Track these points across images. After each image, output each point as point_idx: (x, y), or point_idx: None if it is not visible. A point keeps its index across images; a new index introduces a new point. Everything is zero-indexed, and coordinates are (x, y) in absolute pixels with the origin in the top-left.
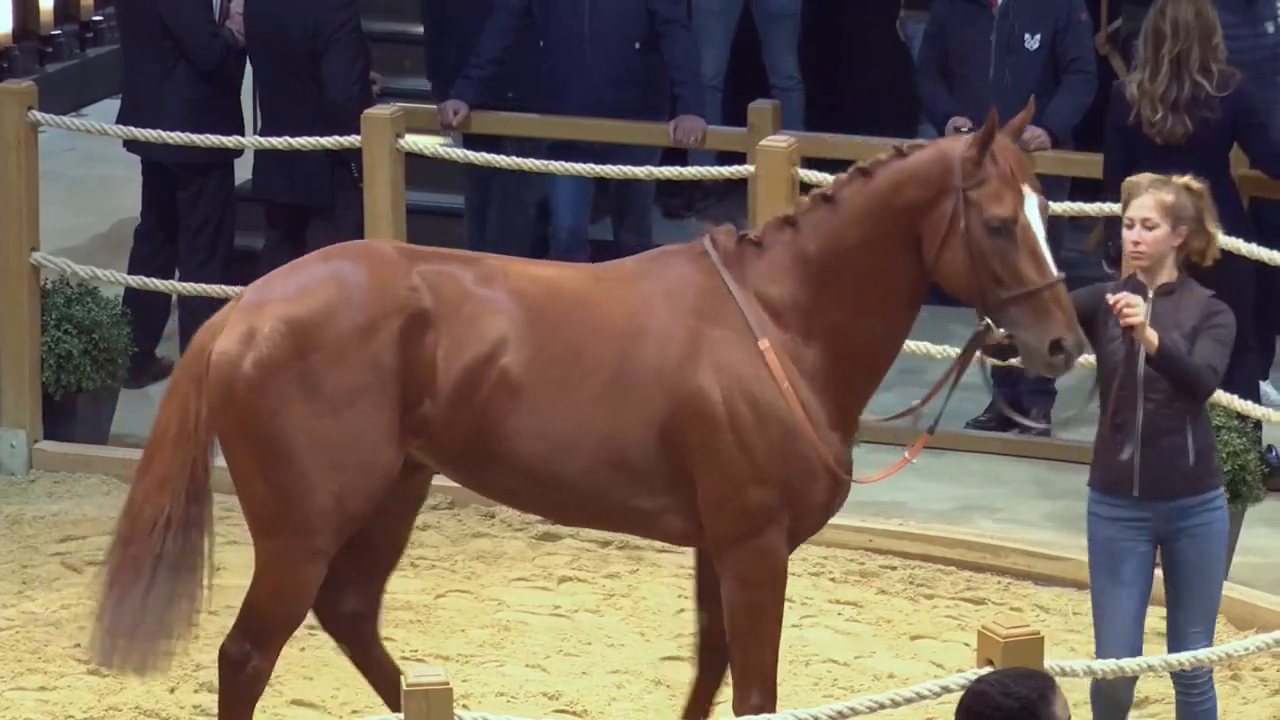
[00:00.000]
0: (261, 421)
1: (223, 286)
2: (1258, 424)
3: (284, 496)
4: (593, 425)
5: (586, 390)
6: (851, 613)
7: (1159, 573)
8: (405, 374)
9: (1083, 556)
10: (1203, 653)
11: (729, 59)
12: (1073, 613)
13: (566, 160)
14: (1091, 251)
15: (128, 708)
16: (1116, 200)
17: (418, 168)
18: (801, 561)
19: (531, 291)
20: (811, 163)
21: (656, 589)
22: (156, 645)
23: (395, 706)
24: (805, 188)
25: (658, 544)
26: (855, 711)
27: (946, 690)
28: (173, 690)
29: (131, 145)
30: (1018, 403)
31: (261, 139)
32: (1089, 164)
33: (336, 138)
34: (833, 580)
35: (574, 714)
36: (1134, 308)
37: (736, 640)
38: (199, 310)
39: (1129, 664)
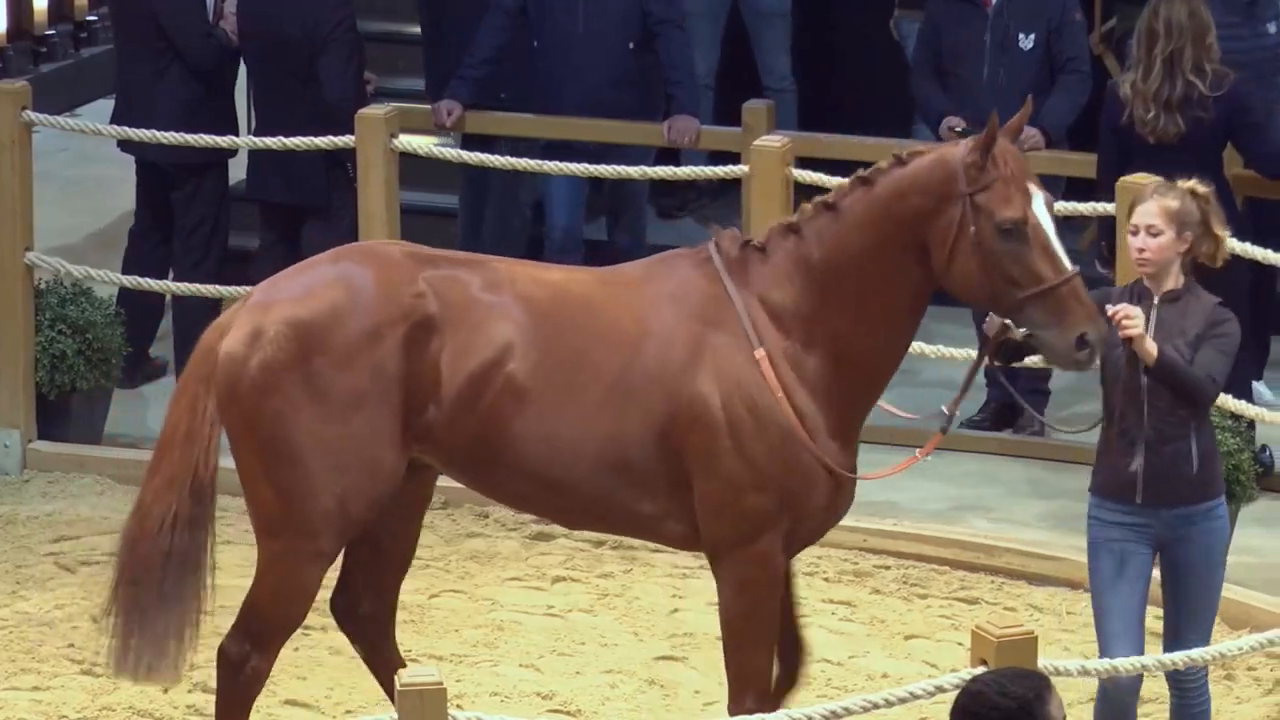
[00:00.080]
0: (266, 422)
1: (217, 287)
2: (1251, 424)
3: (287, 498)
4: (597, 429)
5: (591, 395)
6: (845, 612)
7: (1155, 574)
8: (410, 379)
9: (1077, 556)
10: (1196, 652)
11: (721, 59)
12: (1066, 613)
13: (561, 160)
14: (1085, 251)
15: (121, 707)
16: (1110, 200)
17: (412, 167)
18: (795, 561)
19: (538, 296)
20: (806, 162)
21: (650, 589)
22: (167, 647)
23: None
24: (799, 188)
25: (652, 544)
26: (849, 711)
27: (940, 690)
28: (166, 690)
29: (125, 145)
30: (1012, 404)
31: (256, 139)
32: (1083, 164)
33: (331, 138)
34: (826, 580)
35: (568, 714)
36: (1133, 319)
37: (731, 644)
38: (193, 311)
39: (1123, 663)
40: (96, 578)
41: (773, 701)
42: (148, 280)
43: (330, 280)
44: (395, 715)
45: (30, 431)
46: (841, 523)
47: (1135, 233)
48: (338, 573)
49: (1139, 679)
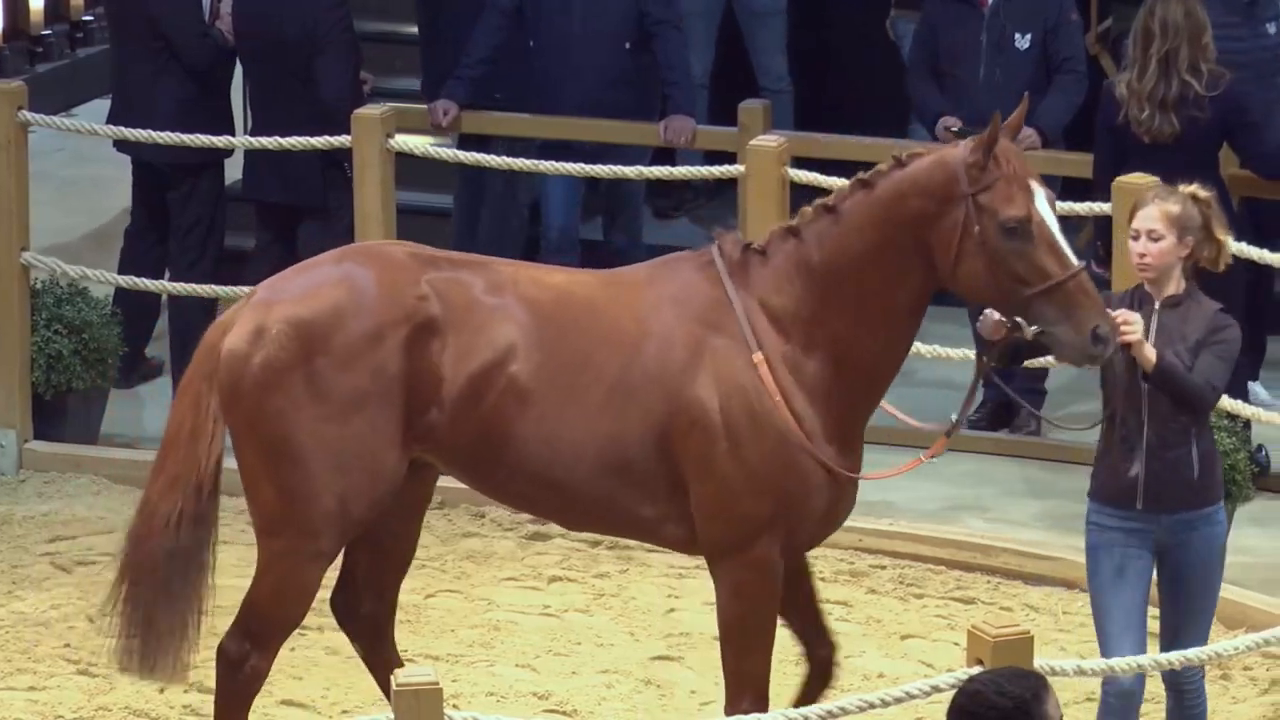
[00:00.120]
0: (267, 421)
1: (213, 287)
2: (1247, 423)
3: (288, 497)
4: (597, 431)
5: (592, 397)
6: (841, 612)
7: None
8: (412, 380)
9: (1073, 556)
10: (1192, 652)
11: (717, 59)
12: (1063, 612)
13: (557, 160)
14: (1082, 251)
15: (117, 707)
16: (1106, 200)
17: (408, 167)
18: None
19: (541, 298)
20: (803, 162)
21: (646, 589)
22: (171, 645)
23: None
24: (796, 188)
25: (648, 544)
26: (845, 711)
27: (936, 690)
28: (162, 690)
29: (122, 145)
30: (1007, 403)
31: (252, 139)
32: (1079, 164)
33: (327, 138)
34: (822, 579)
35: (564, 714)
36: (1131, 325)
37: (729, 648)
38: (189, 311)
39: (1118, 663)
40: (93, 578)
41: (806, 698)
42: (144, 280)
43: (333, 280)
44: (392, 715)
45: (26, 431)
46: None
47: (1136, 238)
48: (337, 572)
49: (1141, 691)
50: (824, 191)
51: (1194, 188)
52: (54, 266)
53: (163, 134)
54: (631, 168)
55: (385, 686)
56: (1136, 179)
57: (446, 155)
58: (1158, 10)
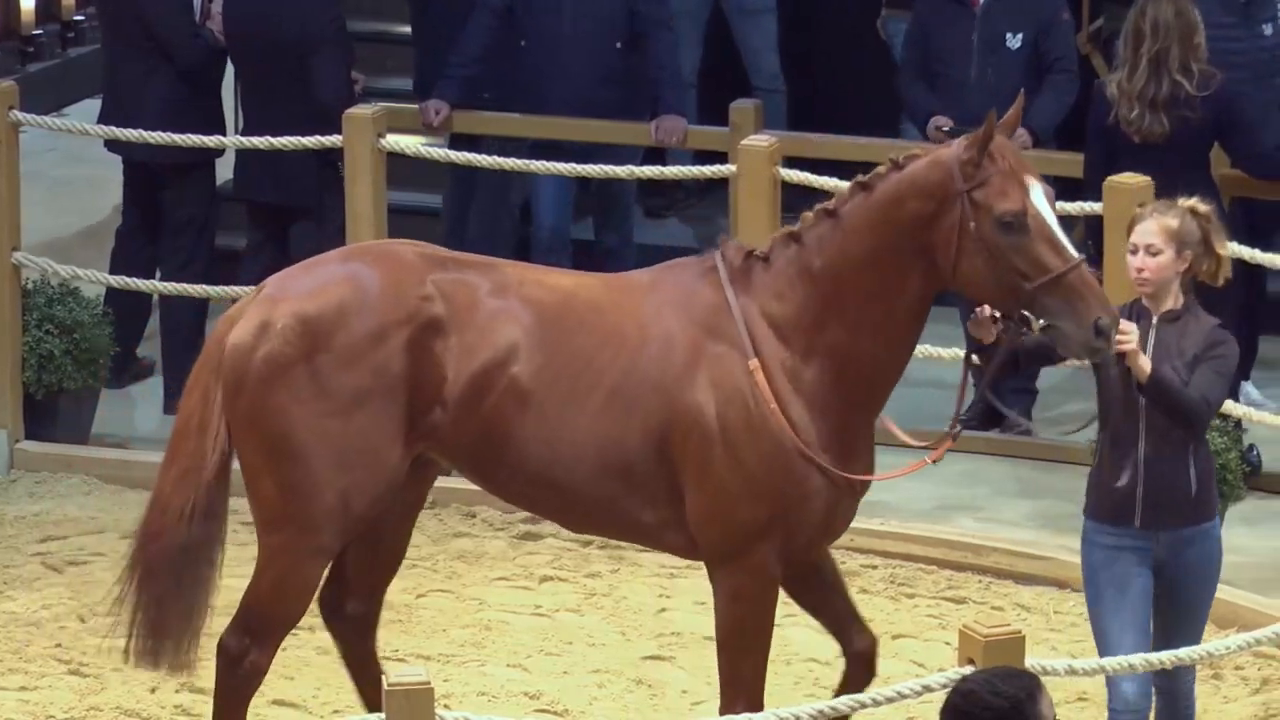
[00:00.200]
0: (269, 416)
1: (204, 287)
2: (1239, 423)
3: (289, 492)
4: (597, 434)
5: (592, 400)
6: None
7: None
8: (415, 379)
9: (1064, 556)
10: (1184, 651)
11: (709, 58)
12: (1054, 612)
13: (548, 160)
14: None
15: (109, 708)
16: (1098, 199)
17: (400, 167)
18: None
19: (545, 300)
20: (794, 162)
21: (637, 588)
22: (179, 639)
23: (373, 709)
24: (787, 187)
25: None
26: (836, 711)
27: (928, 689)
28: (154, 690)
29: (113, 145)
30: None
31: (244, 139)
32: (1071, 163)
33: (318, 137)
34: None
35: (555, 713)
36: (1127, 334)
37: (724, 651)
38: (180, 311)
39: (1109, 662)
40: (84, 578)
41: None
42: (135, 280)
43: (339, 279)
44: (376, 715)
45: (17, 431)
46: None
47: (1134, 252)
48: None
49: (1148, 708)
50: (815, 191)
51: (1193, 202)
52: (45, 266)
53: (154, 134)
54: (623, 167)
55: (360, 686)
56: (1128, 179)
57: (438, 155)
58: (1149, 10)
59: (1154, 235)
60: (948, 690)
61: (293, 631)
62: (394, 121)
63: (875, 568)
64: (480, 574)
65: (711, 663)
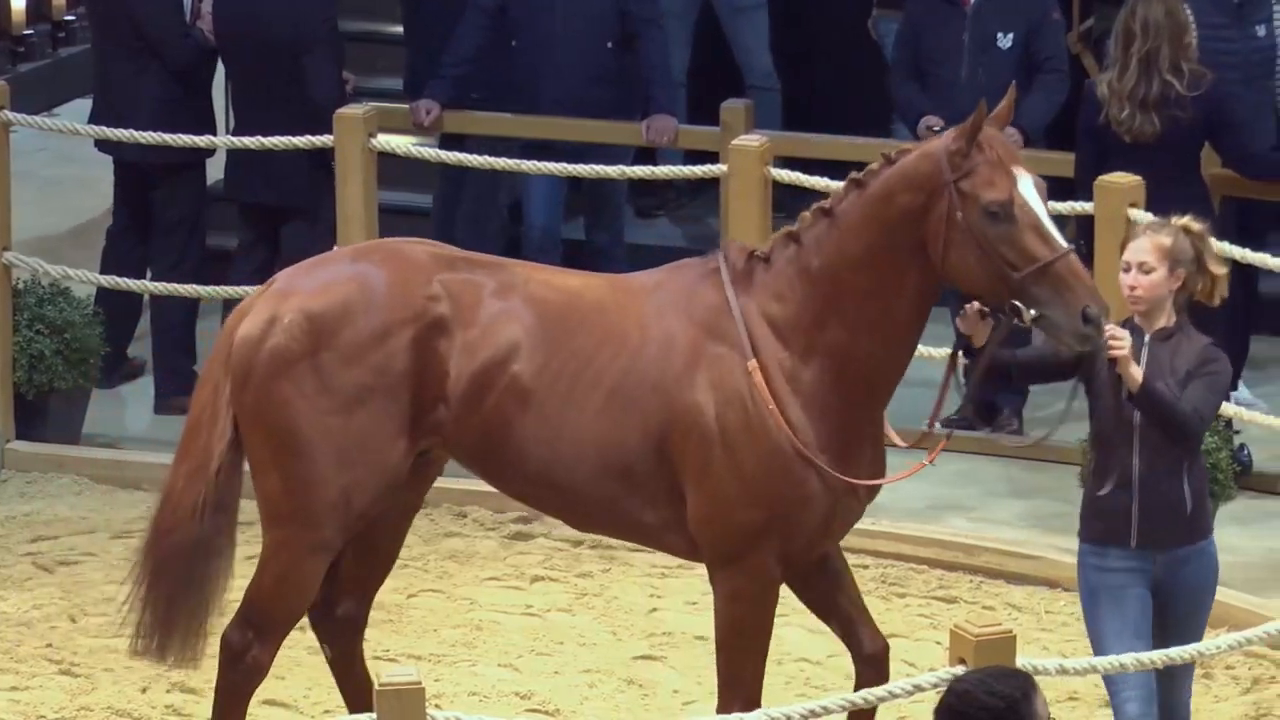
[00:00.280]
0: (274, 410)
1: (195, 286)
2: (1229, 422)
3: (292, 487)
4: (598, 434)
5: (593, 400)
6: None
7: None
8: (418, 378)
9: (1055, 555)
10: (1174, 651)
11: (697, 57)
12: (1045, 611)
13: (540, 159)
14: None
15: (100, 707)
16: (1089, 199)
17: (391, 167)
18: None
19: (549, 300)
20: (787, 162)
21: (629, 588)
22: (188, 632)
23: (357, 710)
24: (779, 187)
25: (630, 544)
26: (828, 710)
27: (919, 689)
28: (145, 690)
29: (103, 145)
30: (990, 403)
31: (235, 139)
32: (1061, 163)
33: (309, 137)
34: None
35: (546, 713)
36: (1120, 340)
37: (723, 652)
38: (171, 311)
39: (1101, 662)
40: (75, 578)
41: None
42: (126, 280)
43: (346, 277)
44: (367, 715)
45: (8, 431)
46: None
47: (1127, 269)
48: None
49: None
50: (807, 191)
51: (1186, 220)
52: (36, 266)
53: (145, 134)
54: (614, 167)
55: (346, 689)
56: (1118, 178)
57: (429, 155)
58: (1139, 10)
59: (1147, 253)
60: (939, 690)
61: None
62: (385, 121)
63: (867, 567)
64: (471, 574)
65: (703, 662)
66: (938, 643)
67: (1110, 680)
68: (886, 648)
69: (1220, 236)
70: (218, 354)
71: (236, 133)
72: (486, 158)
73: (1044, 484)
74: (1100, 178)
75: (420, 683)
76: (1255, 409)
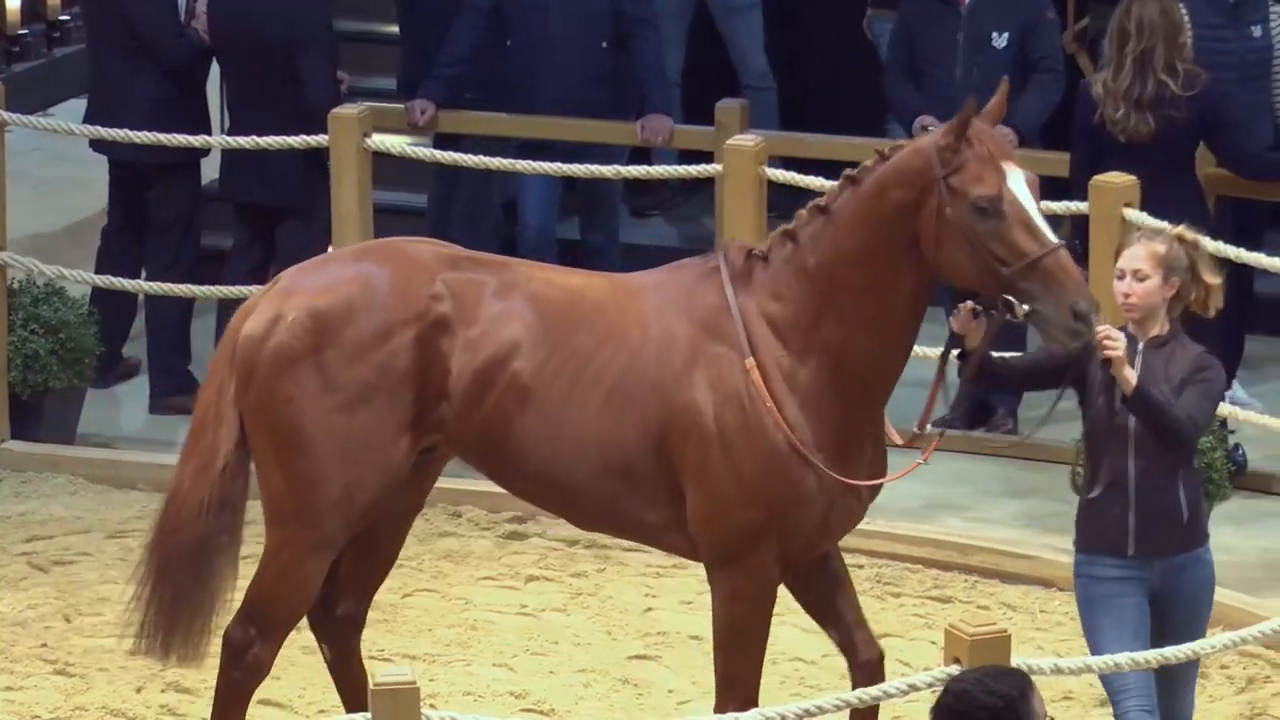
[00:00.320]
0: (277, 408)
1: (190, 286)
2: (1224, 422)
3: (295, 485)
4: (598, 433)
5: (593, 399)
6: None
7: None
8: (420, 376)
9: (1050, 555)
10: (1169, 650)
11: (695, 57)
12: (1039, 611)
13: (535, 159)
14: None
15: (94, 707)
16: (1084, 199)
17: (386, 167)
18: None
19: (551, 298)
20: (782, 162)
21: (623, 588)
22: (193, 630)
23: (353, 710)
24: (774, 187)
25: (625, 543)
26: (822, 710)
27: (914, 688)
28: (140, 690)
29: (98, 145)
30: (984, 403)
31: (230, 138)
32: (1057, 163)
33: (304, 137)
34: None
35: (541, 713)
36: (1114, 341)
37: (721, 652)
38: (166, 310)
39: (1096, 661)
40: (70, 578)
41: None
42: (121, 280)
43: (349, 276)
44: (361, 715)
45: (3, 431)
46: None
47: (1121, 277)
48: None
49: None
50: (802, 191)
51: (1180, 229)
52: (31, 266)
53: (139, 133)
54: (609, 167)
55: (343, 689)
56: (1113, 178)
57: (424, 155)
58: (1134, 9)
59: (1141, 260)
60: (934, 690)
61: None
62: (380, 121)
63: (861, 567)
64: (466, 573)
65: (697, 662)
66: (932, 642)
67: (1112, 690)
68: (881, 656)
69: (1215, 236)
70: (223, 353)
71: (231, 132)
72: (481, 157)
73: (1039, 484)
74: (1095, 177)
75: (415, 682)
76: (1250, 409)
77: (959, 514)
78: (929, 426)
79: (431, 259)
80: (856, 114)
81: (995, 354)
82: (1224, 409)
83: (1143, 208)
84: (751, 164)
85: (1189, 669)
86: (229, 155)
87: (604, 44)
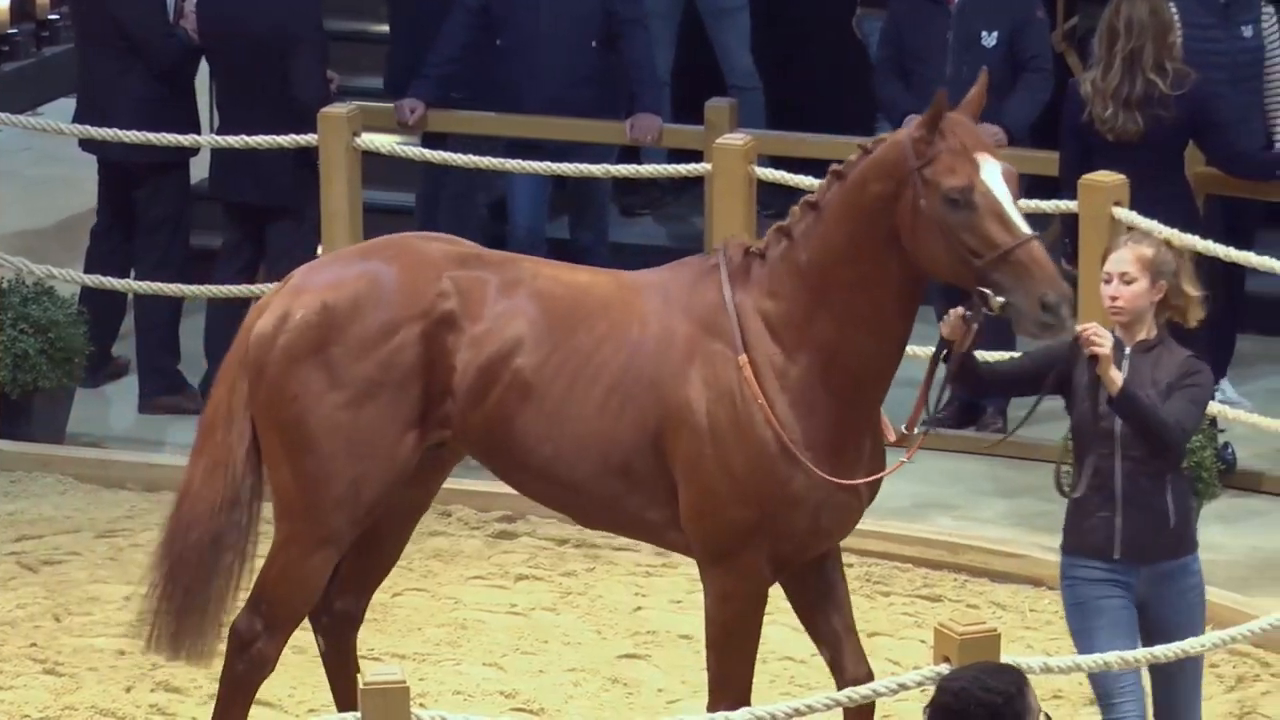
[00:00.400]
0: (285, 405)
1: (179, 285)
2: (1214, 420)
3: (303, 481)
4: (598, 431)
5: (593, 396)
6: None
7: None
8: (426, 372)
9: (1039, 554)
10: (1159, 649)
11: (684, 57)
12: (1029, 610)
13: (524, 159)
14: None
15: (84, 707)
16: (1073, 198)
17: (375, 166)
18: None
19: (556, 295)
20: (771, 161)
21: (613, 587)
22: (202, 629)
23: (346, 708)
24: (763, 186)
25: (615, 542)
26: (812, 709)
27: (903, 688)
28: (129, 689)
29: (87, 144)
30: (974, 402)
31: (219, 138)
32: (1046, 162)
33: (294, 136)
34: None
35: (531, 712)
36: (1101, 337)
37: (712, 652)
38: (155, 310)
39: (1086, 660)
40: (59, 577)
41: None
42: (110, 279)
43: (357, 273)
44: (351, 714)
45: None
46: None
47: (1108, 280)
48: None
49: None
50: (791, 190)
51: (1168, 234)
52: (20, 265)
53: (128, 133)
54: (598, 166)
55: (336, 686)
56: (1102, 177)
57: (413, 154)
58: (1123, 8)
59: (1128, 264)
60: (924, 688)
61: None
62: (369, 120)
63: (851, 565)
64: (456, 573)
65: (687, 661)
66: (922, 641)
67: (1104, 693)
68: (869, 675)
69: (1206, 235)
70: (235, 352)
71: (221, 132)
72: (471, 157)
73: (1029, 483)
74: (1085, 176)
75: (405, 682)
76: (1239, 407)
77: (949, 513)
78: (916, 427)
79: (440, 256)
80: (846, 113)
81: (980, 358)
82: (1214, 407)
83: (1132, 207)
84: (741, 163)
85: (1192, 685)
86: (218, 155)
87: (593, 43)
